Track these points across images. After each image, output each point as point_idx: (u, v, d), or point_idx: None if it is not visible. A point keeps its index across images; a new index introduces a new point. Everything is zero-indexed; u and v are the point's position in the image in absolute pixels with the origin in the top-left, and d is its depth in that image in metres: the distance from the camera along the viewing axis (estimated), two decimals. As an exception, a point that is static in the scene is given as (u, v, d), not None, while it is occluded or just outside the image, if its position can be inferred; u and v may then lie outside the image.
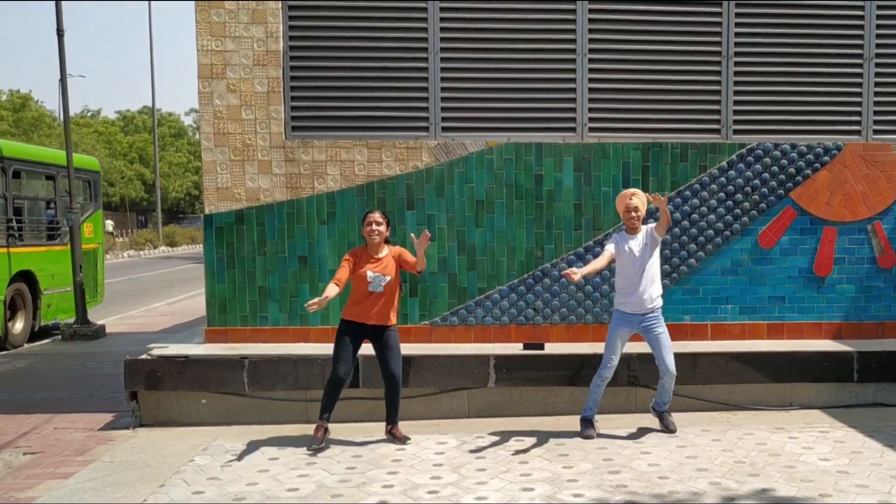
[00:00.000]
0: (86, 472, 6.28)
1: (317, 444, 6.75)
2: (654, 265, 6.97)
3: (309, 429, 7.16)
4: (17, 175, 13.57)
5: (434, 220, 8.07)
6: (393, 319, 6.91)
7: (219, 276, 8.07)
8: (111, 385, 9.68)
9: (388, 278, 6.80)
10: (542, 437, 6.96)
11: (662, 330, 6.98)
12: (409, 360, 7.44)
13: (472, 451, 6.59)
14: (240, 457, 6.55)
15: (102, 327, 14.13)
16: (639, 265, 6.89)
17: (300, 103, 8.04)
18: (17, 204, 13.51)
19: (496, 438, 6.96)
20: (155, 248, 45.55)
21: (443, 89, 8.04)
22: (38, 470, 6.44)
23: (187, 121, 78.72)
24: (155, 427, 7.57)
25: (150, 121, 67.28)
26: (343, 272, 6.82)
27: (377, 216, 6.86)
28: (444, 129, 8.07)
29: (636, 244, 6.93)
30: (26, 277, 13.40)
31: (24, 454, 6.91)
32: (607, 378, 6.99)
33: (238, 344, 7.98)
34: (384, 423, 7.12)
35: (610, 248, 6.89)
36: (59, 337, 13.87)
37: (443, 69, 8.03)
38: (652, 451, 6.54)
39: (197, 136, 78.90)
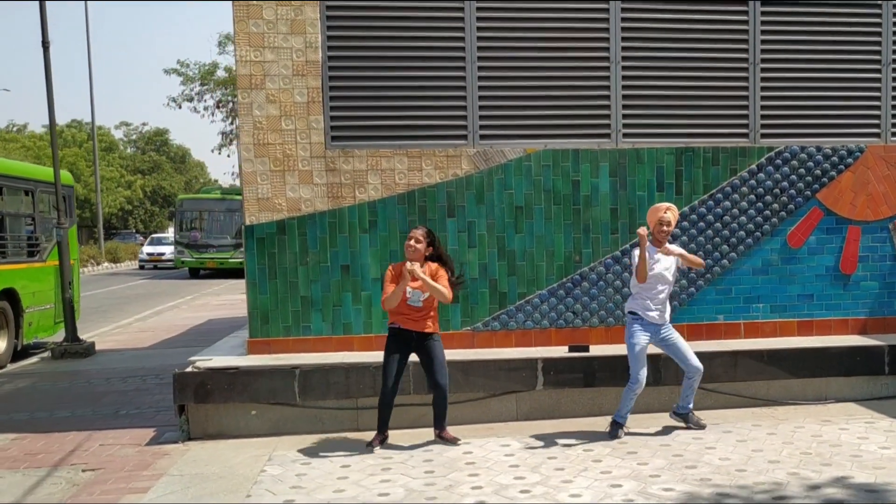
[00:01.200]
0: (162, 486, 6.23)
1: (371, 447, 6.88)
2: (671, 282, 7.23)
3: (361, 436, 7.26)
4: (-1, 191, 13.32)
5: (474, 226, 8.18)
6: (433, 327, 7.05)
7: (261, 286, 8.06)
8: (132, 401, 9.57)
9: (427, 294, 6.91)
10: (601, 437, 7.11)
11: (678, 335, 7.27)
12: (458, 366, 7.54)
13: (540, 452, 6.71)
14: (310, 465, 6.57)
15: (92, 345, 13.87)
16: (668, 281, 7.12)
17: (340, 113, 8.08)
18: (-1, 220, 13.23)
19: (557, 439, 7.08)
20: (98, 264, 44.70)
21: (480, 98, 8.16)
22: (109, 486, 6.36)
23: (118, 134, 77.34)
24: (205, 440, 7.51)
25: (80, 135, 66.08)
26: (387, 285, 6.97)
27: (419, 234, 6.99)
28: (483, 136, 8.18)
29: (666, 260, 7.13)
30: (8, 295, 13.11)
31: (84, 471, 6.81)
32: (639, 392, 7.12)
33: (283, 354, 7.97)
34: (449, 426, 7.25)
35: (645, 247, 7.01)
36: (48, 355, 13.57)
37: (480, 78, 8.15)
38: (716, 447, 6.73)
39: (128, 150, 77.73)
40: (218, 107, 39.45)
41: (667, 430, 7.26)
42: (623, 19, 8.24)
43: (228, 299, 24.17)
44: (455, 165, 8.15)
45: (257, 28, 7.93)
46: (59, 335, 14.43)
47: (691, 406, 7.36)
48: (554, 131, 8.28)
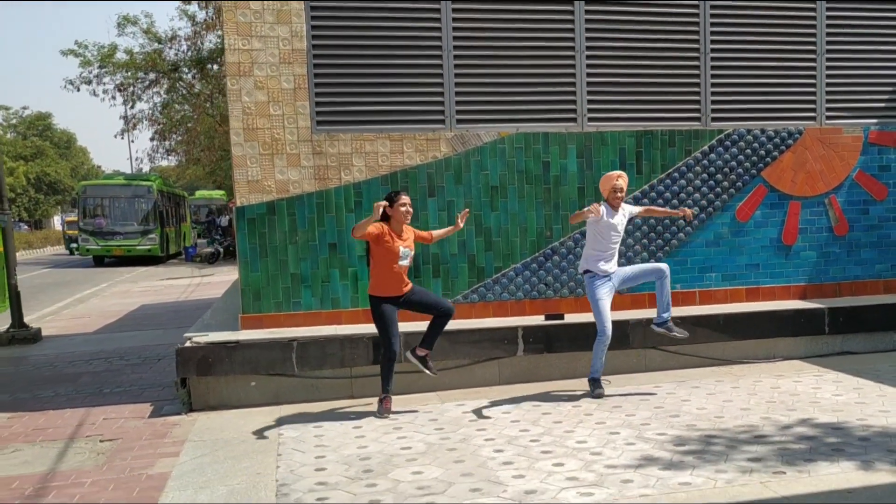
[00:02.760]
0: (189, 450, 6.58)
1: (387, 413, 7.33)
2: (618, 242, 7.91)
3: (357, 403, 7.77)
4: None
5: (453, 205, 8.71)
6: (409, 283, 7.56)
7: (252, 265, 8.43)
8: (109, 381, 9.73)
9: (412, 252, 7.48)
10: (584, 396, 7.76)
11: (628, 266, 8.01)
12: (445, 335, 8.03)
13: (535, 410, 7.32)
14: (323, 428, 7.01)
15: (39, 331, 13.86)
16: (612, 237, 7.76)
17: (325, 99, 8.50)
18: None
19: (545, 399, 7.71)
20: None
21: (457, 84, 8.69)
22: (137, 452, 6.68)
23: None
24: (208, 411, 7.86)
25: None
26: (363, 227, 7.18)
27: (408, 199, 7.44)
28: (459, 121, 8.72)
29: (619, 220, 7.82)
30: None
31: (102, 441, 7.09)
32: (607, 343, 7.74)
33: (276, 328, 8.37)
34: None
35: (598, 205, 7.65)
36: (-8, 342, 13.51)
37: (456, 66, 8.67)
38: (691, 400, 7.46)
39: (9, 135, 74.99)
40: (119, 90, 38.72)
41: (641, 389, 7.95)
42: (587, 11, 8.87)
43: (149, 286, 24.07)
44: (434, 148, 8.67)
45: (244, 18, 8.28)
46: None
47: (669, 317, 7.90)
48: (525, 116, 8.87)
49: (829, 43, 9.44)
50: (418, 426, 6.95)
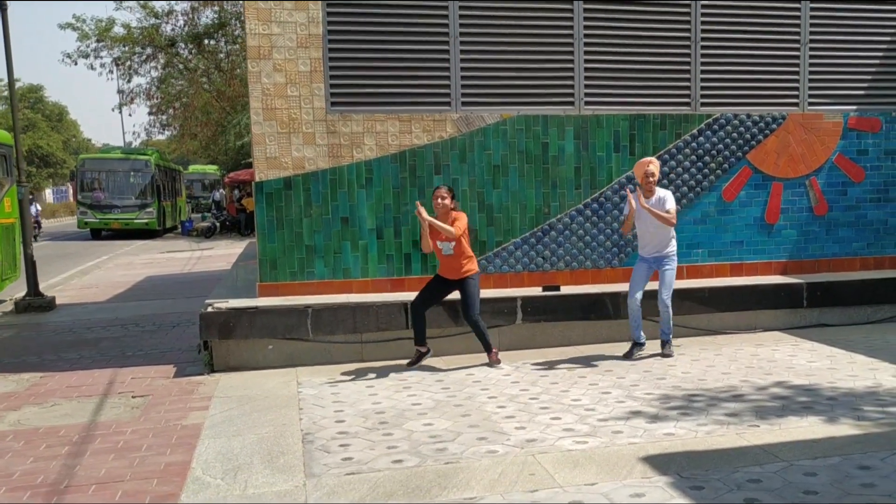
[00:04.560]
0: (218, 405, 7.19)
1: (413, 365, 8.39)
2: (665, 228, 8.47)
3: (368, 366, 8.44)
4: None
5: (457, 183, 9.29)
6: (468, 269, 8.25)
7: (269, 236, 9.00)
8: (130, 345, 10.32)
9: (453, 243, 8.12)
10: (580, 361, 8.41)
11: (671, 273, 8.50)
12: (450, 304, 8.68)
13: (533, 372, 7.95)
14: (338, 387, 7.63)
15: (53, 299, 14.41)
16: (653, 222, 8.34)
17: (339, 81, 9.05)
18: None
19: (542, 364, 8.33)
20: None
21: (462, 69, 9.25)
22: (169, 406, 7.29)
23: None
24: (229, 372, 8.45)
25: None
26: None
27: (443, 191, 8.17)
28: (464, 103, 9.29)
29: (652, 203, 8.36)
30: (-38, 252, 13.53)
31: (134, 397, 7.69)
32: (633, 308, 8.43)
33: (293, 296, 8.96)
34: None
35: (633, 203, 8.30)
36: (11, 309, 14.02)
37: (462, 51, 9.23)
38: (676, 365, 8.11)
39: (0, 107, 74.86)
40: (116, 64, 39.06)
41: (631, 355, 8.57)
42: (585, 2, 9.43)
43: (150, 258, 24.66)
44: (440, 129, 9.24)
45: (265, 4, 8.81)
46: (5, 293, 14.90)
47: (668, 337, 8.59)
48: (526, 99, 9.45)
49: (812, 33, 10.02)
50: (426, 386, 7.57)
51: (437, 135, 9.23)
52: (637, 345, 8.51)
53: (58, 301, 14.97)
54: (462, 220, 8.14)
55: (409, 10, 9.11)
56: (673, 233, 8.41)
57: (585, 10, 9.44)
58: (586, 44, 9.49)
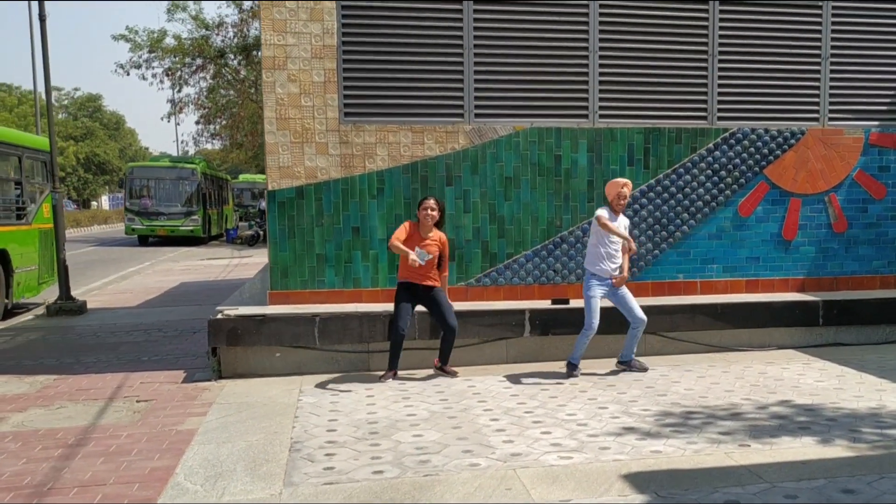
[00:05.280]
0: (216, 411, 7.27)
1: (383, 379, 8.23)
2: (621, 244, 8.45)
3: (374, 375, 8.43)
4: (-11, 157, 13.94)
5: (469, 194, 9.30)
6: (434, 281, 8.34)
7: (281, 245, 9.08)
8: (147, 350, 10.48)
9: (430, 256, 8.21)
10: (584, 375, 8.35)
11: (626, 290, 8.47)
12: (457, 316, 8.66)
13: (534, 385, 7.92)
14: (339, 396, 7.67)
15: (84, 303, 14.66)
16: (617, 240, 8.30)
17: (352, 92, 9.11)
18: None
19: (545, 377, 8.30)
20: (40, 231, 44.42)
21: (476, 80, 9.26)
22: (170, 411, 7.39)
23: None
24: (236, 379, 8.54)
25: (10, 99, 65.02)
26: (401, 234, 8.18)
27: (433, 202, 8.28)
28: (477, 115, 9.30)
29: (620, 224, 8.38)
30: (0, 257, 13.80)
31: (138, 402, 7.81)
32: (591, 336, 8.31)
33: (301, 305, 9.03)
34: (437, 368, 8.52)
35: (603, 213, 8.24)
36: (43, 312, 14.29)
37: (476, 63, 9.24)
38: (681, 381, 8.01)
39: (60, 116, 76.67)
40: (167, 75, 39.69)
41: (655, 371, 8.49)
42: (601, 14, 9.40)
43: (189, 265, 24.96)
44: (453, 140, 9.26)
45: (280, 15, 8.92)
46: (42, 296, 15.20)
47: (633, 356, 8.54)
48: (539, 111, 9.43)
49: (833, 47, 9.88)
50: (425, 397, 7.58)
51: (449, 146, 9.24)
52: (577, 366, 8.46)
53: (90, 305, 15.24)
54: (446, 245, 8.45)
55: (424, 21, 9.15)
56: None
57: (601, 22, 9.40)
58: (601, 56, 9.45)
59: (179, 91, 41.16)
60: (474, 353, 8.90)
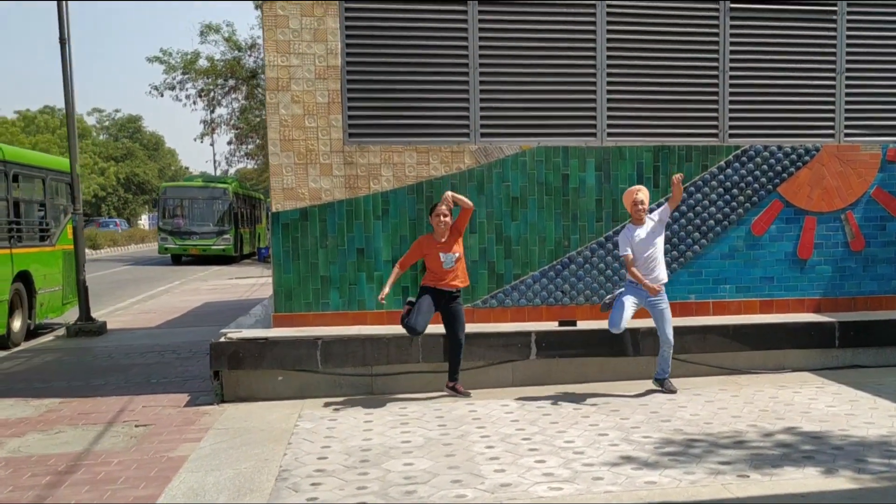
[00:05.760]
0: (211, 437, 7.20)
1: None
2: (660, 247, 8.33)
3: (373, 399, 8.37)
4: (15, 178, 14.06)
5: (475, 215, 9.14)
6: (467, 281, 8.46)
7: (285, 267, 9.02)
8: (158, 372, 10.50)
9: (457, 255, 8.23)
10: (589, 399, 8.17)
11: (665, 306, 8.33)
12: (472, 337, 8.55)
13: (536, 410, 7.75)
14: (337, 421, 7.56)
15: (104, 324, 14.73)
16: (647, 249, 8.21)
17: (357, 112, 9.04)
18: (15, 206, 13.97)
19: (550, 401, 8.13)
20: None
21: (482, 100, 9.15)
22: (165, 437, 7.33)
23: (91, 121, 77.52)
24: (237, 402, 8.47)
25: (52, 121, 66.09)
26: (409, 259, 8.29)
27: (444, 208, 8.20)
28: (483, 134, 9.19)
29: (643, 231, 8.25)
30: (23, 278, 13.89)
31: (137, 427, 7.76)
32: (615, 332, 8.30)
33: (305, 327, 8.94)
34: (443, 393, 8.41)
35: (626, 253, 8.25)
36: (63, 333, 14.39)
37: (481, 82, 9.14)
38: (688, 406, 7.81)
39: (101, 137, 77.83)
40: (200, 96, 40.02)
41: (646, 394, 8.32)
42: (608, 31, 9.26)
43: (217, 284, 25.08)
44: (458, 160, 9.15)
45: (284, 36, 8.88)
46: (65, 316, 15.29)
47: (666, 376, 8.42)
48: (546, 130, 9.30)
49: (849, 61, 9.65)
50: (424, 422, 7.44)
51: (454, 166, 9.14)
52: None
53: (113, 325, 15.34)
54: (458, 221, 8.43)
55: (429, 41, 9.07)
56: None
57: (608, 39, 9.26)
58: (609, 73, 9.31)
59: (213, 112, 41.49)
60: (480, 376, 8.75)
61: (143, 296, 22.00)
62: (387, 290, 8.20)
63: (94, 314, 15.00)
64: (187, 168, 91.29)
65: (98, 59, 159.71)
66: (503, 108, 9.23)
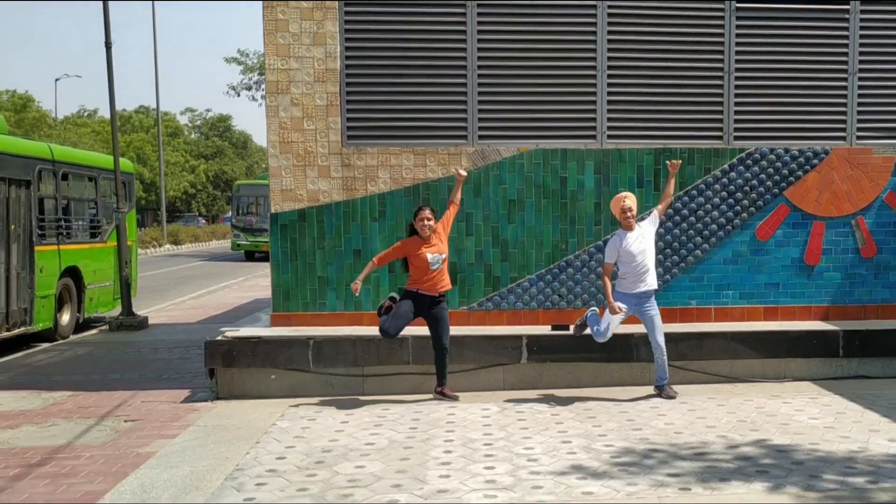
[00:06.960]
0: (187, 434, 7.41)
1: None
2: (650, 255, 8.23)
3: (364, 400, 8.44)
4: (65, 177, 14.55)
5: (472, 217, 9.19)
6: (446, 285, 8.36)
7: (283, 267, 9.17)
8: (175, 368, 10.82)
9: (443, 255, 8.22)
10: (572, 404, 8.12)
11: (655, 312, 8.25)
12: (453, 340, 8.53)
13: (513, 415, 7.74)
14: (314, 421, 7.68)
15: (146, 319, 15.17)
16: (638, 255, 8.11)
17: (355, 115, 9.14)
18: (65, 204, 14.50)
19: (532, 406, 8.10)
20: (160, 246, 46.32)
21: (479, 102, 9.15)
22: (145, 433, 7.58)
23: (183, 120, 79.64)
24: (230, 400, 8.67)
25: (147, 120, 68.02)
26: (388, 256, 8.37)
27: (428, 213, 8.18)
28: (481, 137, 9.19)
29: (633, 237, 8.16)
30: (72, 273, 14.34)
31: (126, 421, 8.03)
32: (599, 340, 8.25)
33: (301, 327, 9.09)
34: (431, 396, 8.43)
35: (609, 262, 8.24)
36: (106, 328, 14.89)
37: (479, 84, 9.14)
38: (667, 414, 7.70)
39: (193, 136, 79.81)
40: (274, 95, 40.68)
41: (633, 400, 8.23)
42: (609, 32, 9.16)
43: (277, 280, 25.43)
44: (456, 162, 9.16)
45: (284, 40, 9.02)
46: (118, 310, 15.79)
47: (663, 382, 8.34)
48: (545, 132, 9.25)
49: (861, 61, 9.34)
50: (398, 424, 7.50)
51: (452, 168, 9.15)
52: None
53: (161, 320, 15.82)
54: (444, 219, 8.45)
55: (427, 43, 9.11)
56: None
57: (609, 39, 9.16)
58: (610, 74, 9.20)
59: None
60: (471, 379, 8.77)
61: (203, 291, 22.54)
62: (359, 283, 8.19)
63: (151, 309, 15.56)
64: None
65: (192, 59, 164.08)
66: (501, 111, 9.22)
